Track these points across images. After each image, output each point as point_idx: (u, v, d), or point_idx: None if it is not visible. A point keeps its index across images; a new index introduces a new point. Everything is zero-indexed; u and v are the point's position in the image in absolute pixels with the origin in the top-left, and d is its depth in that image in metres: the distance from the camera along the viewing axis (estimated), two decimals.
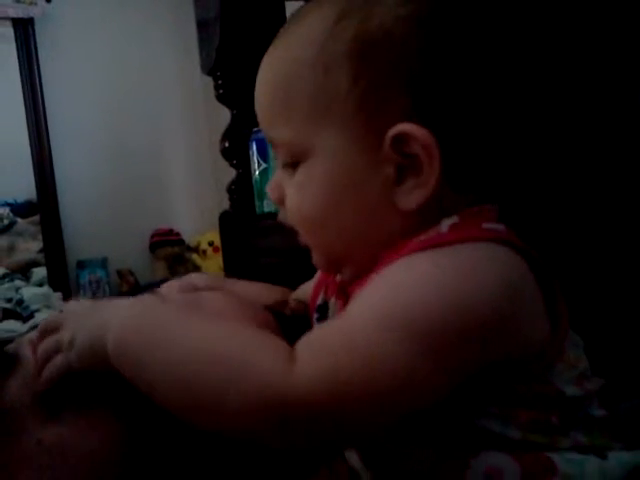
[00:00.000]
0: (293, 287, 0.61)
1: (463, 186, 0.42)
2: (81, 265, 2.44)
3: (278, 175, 0.47)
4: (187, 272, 2.42)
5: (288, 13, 1.17)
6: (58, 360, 0.41)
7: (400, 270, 0.39)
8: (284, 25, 0.45)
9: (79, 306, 0.46)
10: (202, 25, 1.28)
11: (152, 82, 2.55)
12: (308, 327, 0.55)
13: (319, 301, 0.52)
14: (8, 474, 0.40)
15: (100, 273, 2.44)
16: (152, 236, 2.58)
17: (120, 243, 2.51)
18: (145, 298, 0.44)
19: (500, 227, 0.41)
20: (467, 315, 0.36)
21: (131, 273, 2.49)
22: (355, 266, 0.46)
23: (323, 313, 0.51)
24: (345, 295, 0.47)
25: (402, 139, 0.39)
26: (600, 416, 0.41)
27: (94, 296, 2.34)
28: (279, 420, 0.34)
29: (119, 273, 2.48)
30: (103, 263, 2.46)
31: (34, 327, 0.49)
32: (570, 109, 0.60)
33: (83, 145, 2.45)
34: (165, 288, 0.59)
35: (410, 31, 0.39)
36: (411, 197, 0.41)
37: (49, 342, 0.43)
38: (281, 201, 0.46)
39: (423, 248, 0.39)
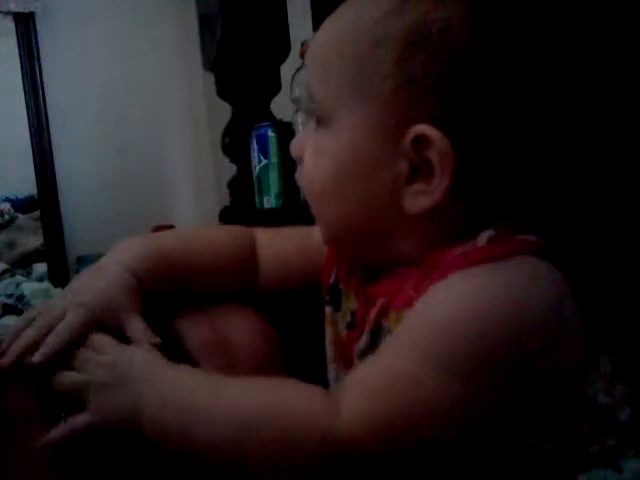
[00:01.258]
0: None
1: (477, 198, 0.42)
2: (81, 261, 2.43)
3: (305, 134, 0.47)
4: None
5: (289, 8, 1.17)
6: (77, 421, 0.40)
7: (442, 299, 0.38)
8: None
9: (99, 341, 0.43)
10: (203, 20, 1.28)
11: (153, 77, 2.55)
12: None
13: (331, 280, 0.51)
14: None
15: None
16: (153, 232, 2.58)
17: (121, 239, 2.50)
18: (166, 369, 0.41)
19: (534, 238, 0.41)
20: (516, 347, 0.35)
21: None
22: (352, 251, 0.47)
23: (334, 296, 0.50)
24: (364, 297, 0.46)
25: (422, 141, 0.39)
26: (626, 420, 0.41)
27: None
28: (326, 463, 0.35)
29: None
30: None
31: None
32: (589, 122, 0.59)
33: (83, 140, 2.44)
34: None
35: (462, 37, 0.38)
36: (416, 201, 0.40)
37: (64, 382, 0.41)
38: (300, 158, 0.46)
39: (462, 266, 0.38)
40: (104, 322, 0.45)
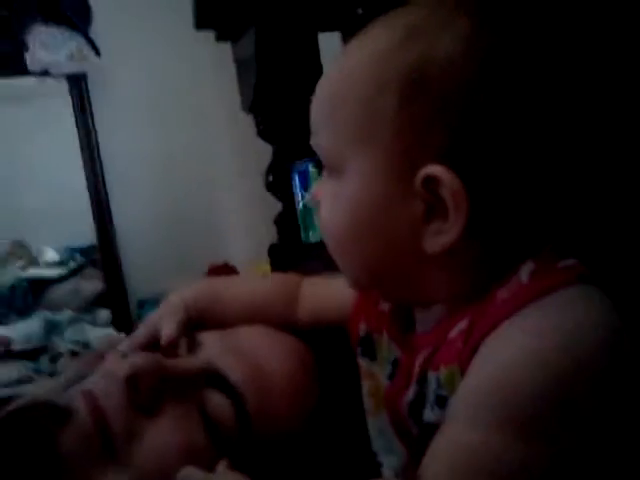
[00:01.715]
0: None
1: (500, 232, 0.40)
2: (142, 304, 2.51)
3: (319, 182, 0.47)
4: None
5: (322, 49, 1.20)
6: None
7: (500, 358, 0.36)
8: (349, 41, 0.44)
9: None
10: (240, 64, 1.32)
11: (200, 122, 2.63)
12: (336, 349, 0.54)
13: (361, 333, 0.51)
14: None
15: None
16: (208, 271, 2.63)
17: (178, 280, 2.56)
18: None
19: (573, 262, 0.39)
20: (592, 390, 0.34)
21: None
22: (380, 292, 0.47)
23: (367, 347, 0.49)
24: (408, 346, 0.45)
25: (433, 180, 0.38)
26: None
27: None
28: None
29: None
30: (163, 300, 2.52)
31: None
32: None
33: (137, 188, 2.54)
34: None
35: (466, 73, 0.38)
36: (436, 240, 0.39)
37: None
38: (318, 206, 0.46)
39: (511, 311, 0.37)
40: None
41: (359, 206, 0.41)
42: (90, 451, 0.43)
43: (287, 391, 0.51)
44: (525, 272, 0.38)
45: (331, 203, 0.43)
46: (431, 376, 0.40)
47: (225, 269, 2.63)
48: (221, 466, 0.42)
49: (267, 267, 2.23)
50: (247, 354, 0.52)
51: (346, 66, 0.42)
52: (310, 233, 1.13)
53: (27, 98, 2.41)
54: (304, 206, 1.14)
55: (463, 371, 0.37)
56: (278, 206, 1.28)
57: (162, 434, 0.45)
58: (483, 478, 0.34)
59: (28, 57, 2.28)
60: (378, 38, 0.41)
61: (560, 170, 0.41)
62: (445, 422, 0.37)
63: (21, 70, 2.29)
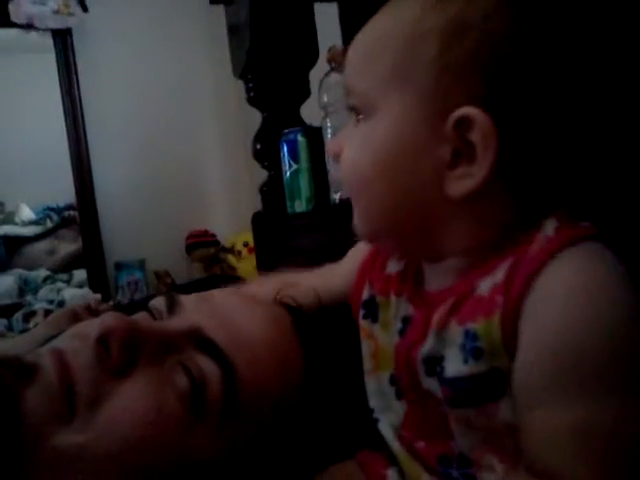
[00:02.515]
0: None
1: (524, 185, 0.41)
2: (119, 267, 2.50)
3: (343, 133, 0.47)
4: (222, 272, 2.46)
5: (317, 15, 1.19)
6: None
7: (548, 313, 0.37)
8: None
9: None
10: (233, 30, 1.30)
11: (186, 87, 2.60)
12: (324, 322, 0.54)
13: (365, 296, 0.51)
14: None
15: (138, 274, 2.49)
16: (188, 237, 2.62)
17: (157, 245, 2.56)
18: None
19: (589, 224, 0.40)
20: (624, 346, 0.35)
21: (168, 274, 2.54)
22: (396, 241, 0.46)
23: (371, 310, 0.50)
24: (424, 302, 0.45)
25: (465, 123, 0.39)
26: None
27: (132, 296, 2.40)
28: None
29: (156, 274, 2.54)
30: (141, 265, 2.52)
31: None
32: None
33: (120, 150, 2.51)
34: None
35: (500, 24, 0.39)
36: (459, 184, 0.40)
37: None
38: (337, 156, 0.46)
39: (546, 260, 0.38)
40: None
41: (387, 147, 0.42)
42: (51, 409, 0.42)
43: (271, 358, 0.51)
44: (550, 227, 0.40)
45: (359, 145, 0.44)
46: (456, 330, 0.41)
47: (205, 237, 2.63)
48: None
49: (249, 236, 2.23)
50: (225, 317, 0.50)
51: (388, 20, 0.44)
52: (296, 203, 1.13)
53: (9, 51, 2.36)
54: (291, 175, 1.14)
55: (506, 325, 0.38)
56: (263, 175, 1.27)
57: (129, 398, 0.43)
58: (622, 444, 0.35)
59: (12, 8, 2.22)
60: (400, 8, 0.43)
61: (582, 126, 0.42)
62: (528, 412, 0.37)
63: (4, 21, 2.23)
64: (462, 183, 0.40)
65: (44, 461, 0.41)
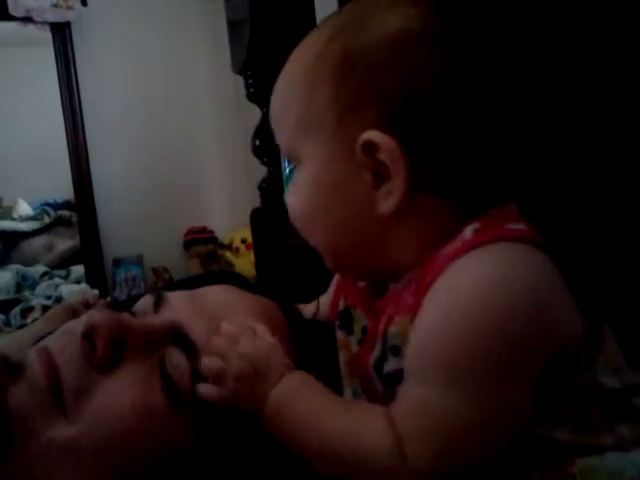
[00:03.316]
0: (320, 283, 0.61)
1: (451, 193, 0.43)
2: (117, 263, 2.49)
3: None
4: (220, 269, 2.46)
5: (317, 12, 1.18)
6: (222, 393, 0.45)
7: (432, 312, 0.39)
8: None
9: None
10: (232, 25, 1.30)
11: (185, 82, 2.59)
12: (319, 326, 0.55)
13: (340, 308, 0.53)
14: (23, 475, 0.41)
15: (135, 270, 2.49)
16: (186, 234, 2.62)
17: (155, 241, 2.56)
18: (298, 376, 0.46)
19: (522, 226, 0.42)
20: (509, 331, 0.37)
21: (166, 270, 2.53)
22: (356, 270, 0.49)
23: (345, 321, 0.52)
24: (374, 313, 0.48)
25: (371, 147, 0.42)
26: None
27: (130, 293, 2.39)
28: None
29: (154, 270, 2.53)
30: (138, 261, 2.51)
31: None
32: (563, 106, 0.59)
33: (118, 146, 2.50)
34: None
35: (383, 55, 0.43)
36: (386, 202, 0.43)
37: (213, 368, 0.46)
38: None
39: (451, 261, 0.40)
40: None
41: (316, 188, 0.46)
42: (39, 405, 0.43)
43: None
44: (470, 230, 0.41)
45: (294, 191, 0.48)
46: (391, 331, 0.44)
47: (203, 233, 2.63)
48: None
49: (247, 233, 2.23)
50: (213, 313, 0.51)
51: (289, 70, 0.49)
52: None
53: (7, 45, 2.34)
54: (290, 172, 1.13)
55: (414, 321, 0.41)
56: (262, 171, 1.27)
57: (116, 392, 0.44)
58: (442, 431, 0.37)
59: (10, 1, 2.21)
60: (311, 42, 0.47)
61: (491, 130, 0.44)
62: (404, 380, 0.41)
63: (2, 14, 2.22)
64: (388, 200, 0.43)
65: (37, 455, 0.41)
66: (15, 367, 0.45)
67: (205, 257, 2.56)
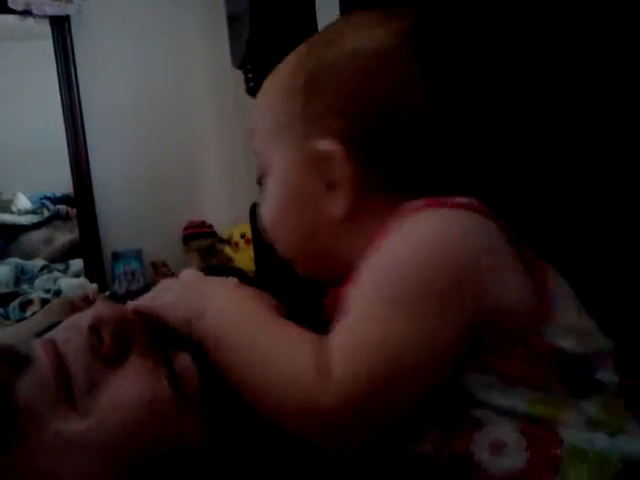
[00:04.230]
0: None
1: (409, 191, 0.46)
2: (116, 257, 2.49)
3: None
4: (219, 263, 2.45)
5: (318, 6, 1.18)
6: (152, 302, 0.48)
7: (383, 248, 0.42)
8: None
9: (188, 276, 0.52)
10: (232, 19, 1.29)
11: (184, 76, 2.59)
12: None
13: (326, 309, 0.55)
14: (30, 467, 0.41)
15: (135, 265, 2.49)
16: (185, 228, 2.62)
17: (154, 235, 2.55)
18: (236, 286, 0.48)
19: (473, 200, 0.44)
20: (441, 269, 0.39)
21: (165, 265, 2.53)
22: (320, 275, 0.52)
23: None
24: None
25: (324, 155, 0.47)
26: (613, 383, 0.41)
27: (129, 287, 2.39)
28: (315, 425, 0.38)
29: (153, 265, 2.53)
30: (137, 255, 2.51)
31: None
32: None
33: (117, 140, 2.50)
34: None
35: (349, 74, 0.47)
36: (338, 204, 0.47)
37: (153, 295, 0.49)
38: None
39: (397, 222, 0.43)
40: None
41: (281, 195, 0.50)
42: (47, 397, 0.43)
43: None
44: (413, 204, 0.44)
45: (262, 203, 0.52)
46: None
47: (202, 228, 2.63)
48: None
49: (246, 228, 2.23)
50: None
51: (267, 84, 0.54)
52: None
53: (6, 38, 2.34)
54: None
55: None
56: None
57: (125, 385, 0.44)
58: (376, 354, 0.38)
59: None
60: (288, 58, 0.53)
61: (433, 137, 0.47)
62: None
63: (1, 8, 2.22)
64: (338, 204, 0.47)
65: (44, 448, 0.41)
66: (22, 359, 0.44)
67: (204, 252, 2.56)
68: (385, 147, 0.46)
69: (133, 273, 2.47)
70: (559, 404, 0.39)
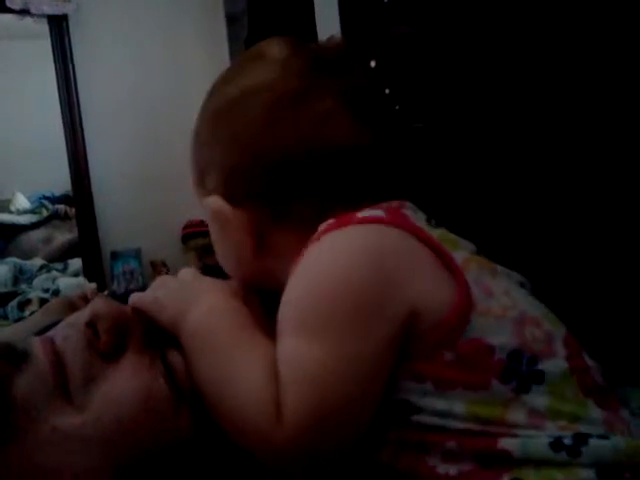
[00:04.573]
0: None
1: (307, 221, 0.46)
2: (115, 256, 2.49)
3: None
4: (216, 262, 2.45)
5: (316, 6, 1.18)
6: (146, 298, 0.49)
7: (293, 282, 0.43)
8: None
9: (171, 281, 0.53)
10: (231, 19, 1.30)
11: (183, 76, 2.58)
12: None
13: None
14: (26, 461, 0.41)
15: (133, 264, 2.48)
16: (184, 227, 2.61)
17: (153, 234, 2.55)
18: (224, 295, 0.48)
19: (377, 212, 0.44)
20: (355, 288, 0.40)
21: (164, 264, 2.53)
22: (266, 287, 0.52)
23: None
24: None
25: (214, 210, 0.50)
26: (561, 370, 0.39)
27: (128, 286, 2.39)
28: (267, 451, 0.39)
29: (152, 264, 2.53)
30: (136, 254, 2.51)
31: None
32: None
33: (116, 139, 2.49)
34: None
35: (220, 125, 0.52)
36: (244, 248, 0.49)
37: (147, 292, 0.50)
38: None
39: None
40: None
41: (211, 229, 0.53)
42: (44, 393, 0.43)
43: None
44: (322, 227, 0.45)
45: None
46: None
47: (201, 227, 2.62)
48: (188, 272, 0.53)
49: None
50: None
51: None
52: None
53: (4, 38, 2.33)
54: None
55: None
56: None
57: (121, 380, 0.45)
58: (311, 384, 0.38)
59: None
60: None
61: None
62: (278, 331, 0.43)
63: None
64: (246, 246, 0.49)
65: (41, 442, 0.42)
66: (20, 355, 0.45)
67: (202, 250, 2.56)
68: (266, 189, 0.48)
69: (132, 272, 2.47)
70: (502, 403, 0.38)
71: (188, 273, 0.54)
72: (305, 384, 0.38)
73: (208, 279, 0.51)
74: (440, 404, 0.39)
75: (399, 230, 0.42)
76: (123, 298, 0.58)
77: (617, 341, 0.47)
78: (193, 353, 0.44)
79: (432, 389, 0.39)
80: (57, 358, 0.45)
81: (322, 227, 0.44)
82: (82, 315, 0.48)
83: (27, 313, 2.05)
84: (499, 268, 0.45)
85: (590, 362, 0.42)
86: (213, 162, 0.51)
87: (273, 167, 0.47)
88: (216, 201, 0.49)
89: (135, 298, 0.50)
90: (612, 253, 0.60)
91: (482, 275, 0.42)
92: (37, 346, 0.46)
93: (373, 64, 0.85)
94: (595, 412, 0.39)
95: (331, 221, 0.44)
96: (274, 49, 0.51)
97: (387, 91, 0.81)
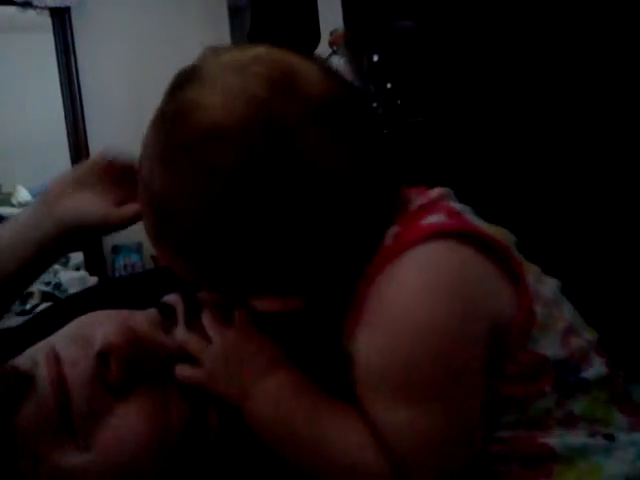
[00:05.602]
0: None
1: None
2: (116, 250, 2.49)
3: None
4: None
5: (319, 0, 1.17)
6: (198, 373, 0.44)
7: (375, 327, 0.39)
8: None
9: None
10: (234, 12, 1.29)
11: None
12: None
13: None
14: None
15: (134, 258, 2.49)
16: None
17: None
18: (280, 371, 0.44)
19: (441, 217, 0.41)
20: (456, 337, 0.37)
21: None
22: None
23: None
24: None
25: None
26: (599, 376, 0.41)
27: None
28: None
29: (153, 258, 2.53)
30: (138, 248, 2.51)
31: None
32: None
33: (118, 132, 2.48)
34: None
35: (159, 179, 0.42)
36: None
37: (193, 344, 0.45)
38: None
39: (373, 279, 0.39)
40: None
41: None
42: (47, 427, 0.41)
43: None
44: (390, 236, 0.40)
45: None
46: None
47: None
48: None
49: None
50: None
51: None
52: None
53: (6, 30, 2.33)
54: None
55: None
56: None
57: (130, 421, 0.42)
58: (442, 445, 0.38)
59: None
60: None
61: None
62: (369, 403, 0.40)
63: None
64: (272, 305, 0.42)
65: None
66: (24, 380, 0.42)
67: None
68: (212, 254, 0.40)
69: (133, 266, 2.47)
70: (545, 410, 0.40)
71: (229, 338, 0.46)
72: (428, 451, 0.38)
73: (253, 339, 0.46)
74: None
75: (467, 245, 0.39)
76: (132, 283, 0.56)
77: (620, 338, 0.47)
78: (269, 433, 0.42)
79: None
80: (62, 388, 0.42)
81: (387, 242, 0.40)
82: (94, 332, 0.44)
83: (29, 306, 2.05)
84: (537, 269, 0.44)
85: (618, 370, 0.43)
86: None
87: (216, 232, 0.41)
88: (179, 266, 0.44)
89: (184, 372, 0.45)
90: (612, 249, 0.60)
91: (536, 282, 0.42)
92: (43, 368, 0.43)
93: (376, 58, 0.84)
94: (620, 419, 0.40)
95: (395, 232, 0.40)
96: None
97: (389, 85, 0.81)
